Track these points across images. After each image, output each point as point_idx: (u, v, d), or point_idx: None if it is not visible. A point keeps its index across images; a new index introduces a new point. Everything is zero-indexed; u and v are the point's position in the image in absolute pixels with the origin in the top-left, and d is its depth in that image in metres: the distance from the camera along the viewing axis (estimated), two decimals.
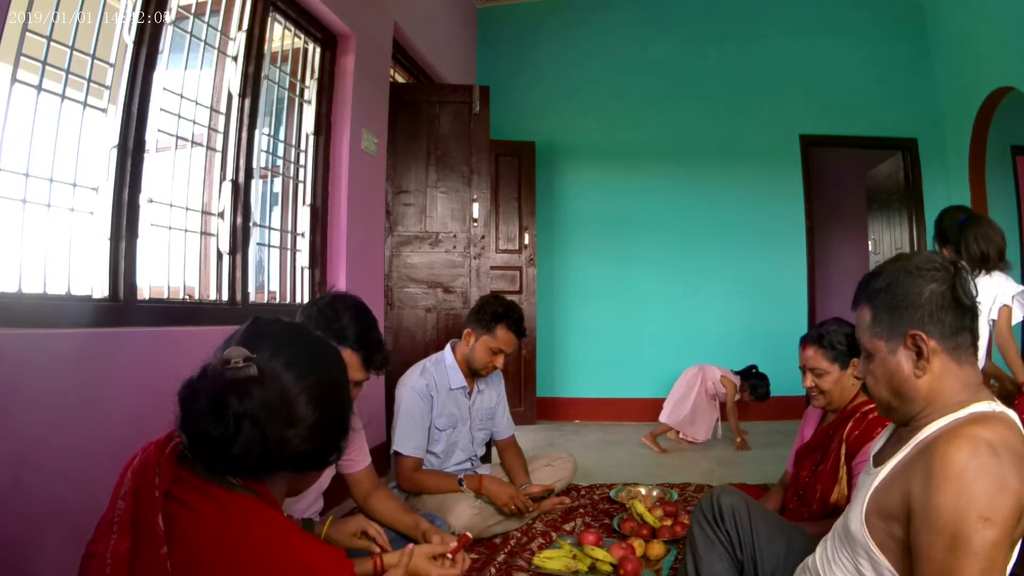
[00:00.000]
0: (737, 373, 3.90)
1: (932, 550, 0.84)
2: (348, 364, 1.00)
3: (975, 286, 1.00)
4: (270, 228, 2.55)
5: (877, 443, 1.12)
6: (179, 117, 2.02)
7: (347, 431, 0.92)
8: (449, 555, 1.25)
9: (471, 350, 2.32)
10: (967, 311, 0.97)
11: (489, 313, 2.28)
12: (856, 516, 0.99)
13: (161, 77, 1.88)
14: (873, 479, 1.00)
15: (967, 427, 0.89)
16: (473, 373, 2.37)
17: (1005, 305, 2.20)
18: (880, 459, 1.04)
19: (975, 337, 0.99)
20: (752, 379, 3.88)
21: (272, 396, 0.80)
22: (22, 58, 1.46)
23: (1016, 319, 2.22)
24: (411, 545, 1.18)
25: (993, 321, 2.22)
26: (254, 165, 2.32)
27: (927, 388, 0.97)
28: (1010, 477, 0.83)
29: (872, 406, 1.61)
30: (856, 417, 1.66)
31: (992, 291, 2.20)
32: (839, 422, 1.72)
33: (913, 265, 1.00)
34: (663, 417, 3.86)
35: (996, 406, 0.94)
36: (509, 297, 3.74)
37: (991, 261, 2.21)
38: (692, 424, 3.83)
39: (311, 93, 2.72)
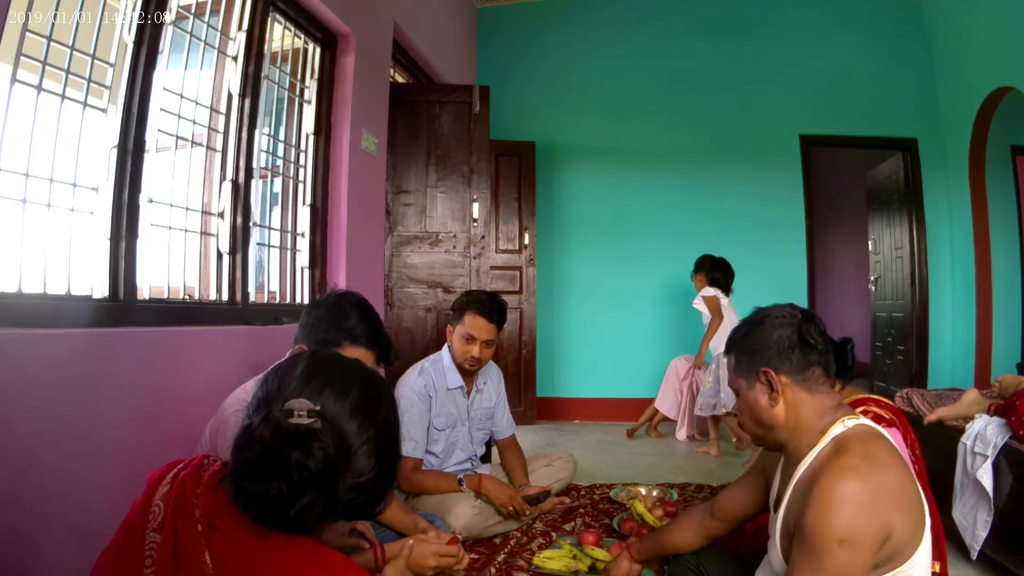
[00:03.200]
0: None
1: (796, 564, 0.99)
2: (363, 361, 0.98)
3: (814, 330, 1.18)
4: (270, 228, 2.54)
5: (773, 487, 1.23)
6: (179, 117, 2.01)
7: (395, 482, 0.87)
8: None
9: (451, 344, 2.36)
10: (813, 349, 1.12)
11: (458, 303, 2.36)
12: (775, 556, 1.13)
13: (161, 77, 1.88)
14: (776, 521, 1.14)
15: (834, 459, 1.01)
16: (460, 369, 2.37)
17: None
18: (778, 502, 1.16)
19: (827, 369, 1.14)
20: None
21: (333, 450, 0.76)
22: (22, 58, 1.45)
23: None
24: (412, 537, 1.22)
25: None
26: (254, 165, 2.32)
27: (784, 416, 1.12)
28: (876, 503, 0.94)
29: None
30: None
31: (729, 309, 3.71)
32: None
33: (764, 315, 1.18)
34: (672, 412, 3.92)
35: (850, 421, 1.07)
36: (509, 297, 3.76)
37: (721, 284, 3.75)
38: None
39: (311, 93, 2.72)
